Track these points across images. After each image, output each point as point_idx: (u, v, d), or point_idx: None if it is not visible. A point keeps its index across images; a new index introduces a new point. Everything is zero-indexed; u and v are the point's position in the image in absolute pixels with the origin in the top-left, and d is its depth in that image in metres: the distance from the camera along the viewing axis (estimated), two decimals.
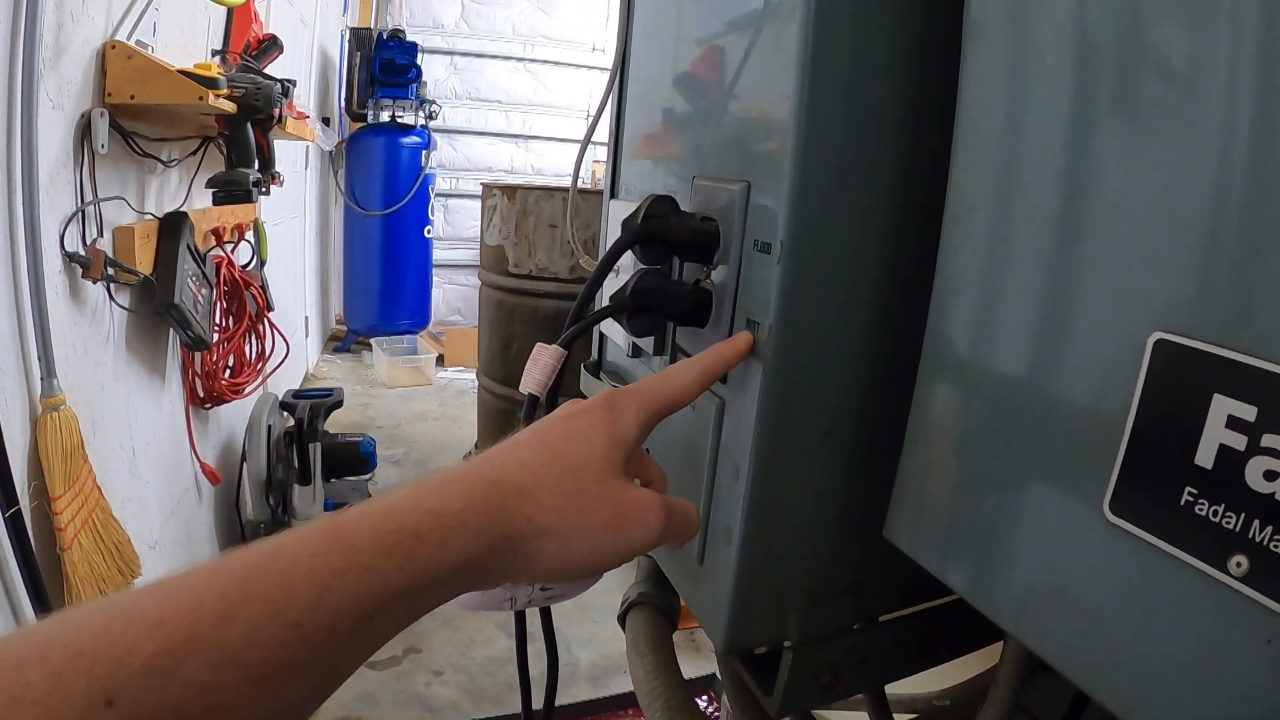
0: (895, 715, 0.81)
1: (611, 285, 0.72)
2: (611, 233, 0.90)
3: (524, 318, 3.09)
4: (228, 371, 2.28)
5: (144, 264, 1.68)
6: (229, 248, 2.23)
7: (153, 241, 1.75)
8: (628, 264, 0.68)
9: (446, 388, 5.11)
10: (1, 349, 1.25)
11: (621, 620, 0.90)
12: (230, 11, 2.33)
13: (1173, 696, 0.38)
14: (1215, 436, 0.35)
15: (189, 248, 1.81)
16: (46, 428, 1.33)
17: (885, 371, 0.60)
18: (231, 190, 2.03)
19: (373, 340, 5.37)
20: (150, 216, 1.80)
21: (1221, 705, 0.36)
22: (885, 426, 0.60)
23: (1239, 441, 0.34)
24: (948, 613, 0.69)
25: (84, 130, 1.50)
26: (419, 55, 5.26)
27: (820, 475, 0.61)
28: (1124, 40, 0.40)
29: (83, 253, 1.49)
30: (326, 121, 4.99)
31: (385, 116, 5.20)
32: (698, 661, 2.22)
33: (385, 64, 5.10)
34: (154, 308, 1.73)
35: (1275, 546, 0.32)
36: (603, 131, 1.00)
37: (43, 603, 1.28)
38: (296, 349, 3.97)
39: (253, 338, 2.36)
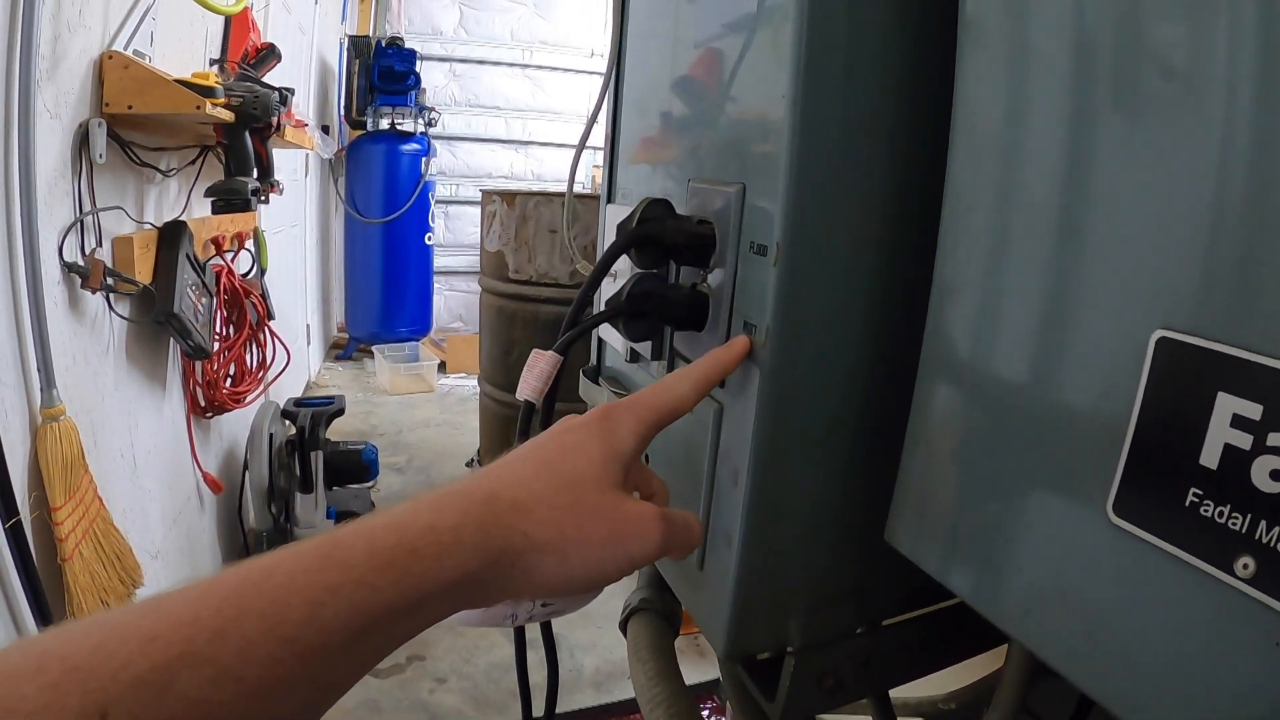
0: None
1: (609, 290, 0.72)
2: (608, 237, 0.90)
3: (525, 324, 3.09)
4: (229, 380, 2.28)
5: (143, 273, 1.68)
6: (229, 256, 2.23)
7: (152, 251, 1.74)
8: (624, 268, 0.68)
9: (448, 394, 5.11)
10: (1, 360, 1.25)
11: (623, 626, 0.89)
12: (228, 20, 2.33)
13: (1178, 699, 0.37)
14: (1220, 436, 0.34)
15: (188, 257, 1.81)
16: (46, 438, 1.33)
17: (884, 373, 0.59)
18: (230, 199, 2.03)
19: (374, 348, 5.37)
20: (149, 226, 1.80)
21: (1227, 708, 0.35)
22: (885, 429, 0.59)
23: (1244, 440, 0.33)
24: (951, 616, 0.69)
25: (82, 140, 1.49)
26: (418, 62, 5.26)
27: (820, 479, 0.61)
28: (1122, 36, 0.40)
29: (82, 263, 1.49)
30: (326, 129, 5.00)
31: (385, 124, 5.21)
32: (702, 666, 2.21)
33: (384, 71, 5.11)
34: (154, 317, 1.72)
35: None
36: (599, 136, 0.99)
37: (44, 613, 1.27)
38: (298, 357, 3.97)
39: (253, 346, 2.35)
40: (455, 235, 6.20)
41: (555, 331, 0.65)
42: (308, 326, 4.74)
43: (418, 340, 5.61)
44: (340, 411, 2.78)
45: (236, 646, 0.28)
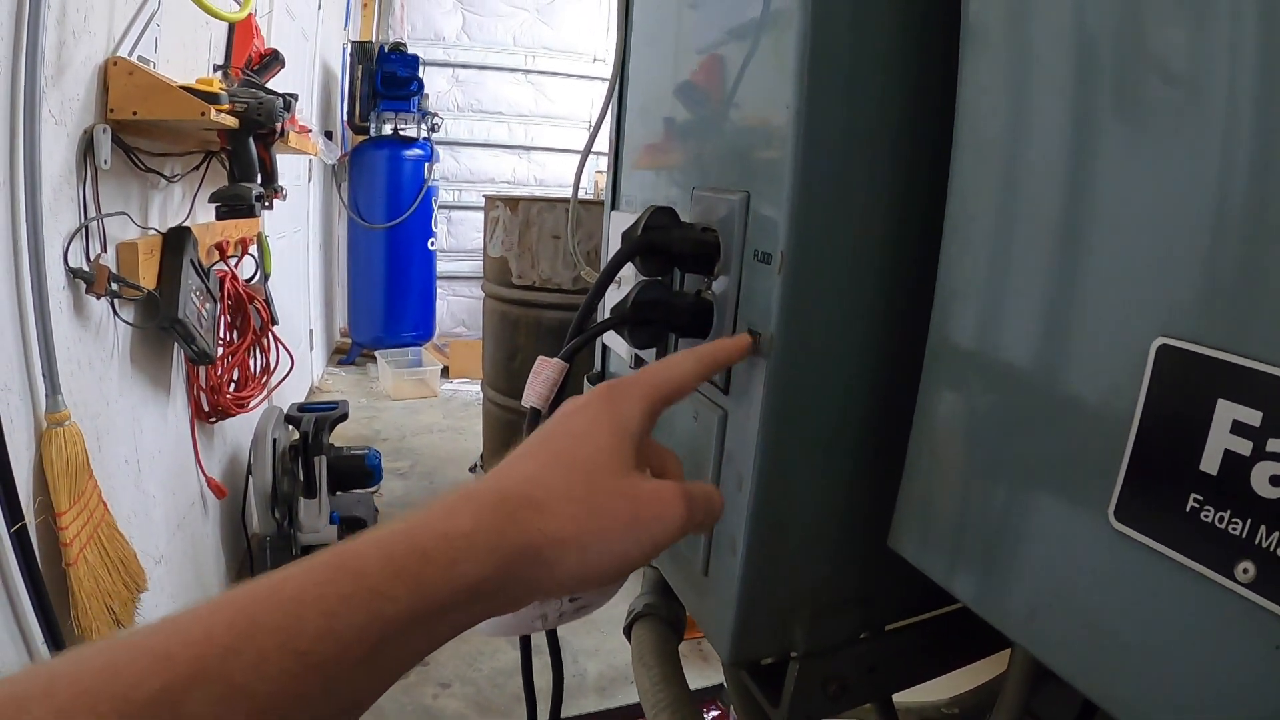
0: None
1: (613, 297, 0.72)
2: (613, 244, 0.90)
3: (528, 329, 3.09)
4: (232, 385, 2.28)
5: (148, 279, 1.69)
6: (233, 262, 2.24)
7: (156, 256, 1.75)
8: (629, 276, 0.68)
9: (451, 399, 5.11)
10: (6, 365, 1.25)
11: (627, 632, 0.89)
12: (232, 27, 2.34)
13: (1180, 703, 0.37)
14: (1220, 442, 0.34)
15: (192, 262, 1.81)
16: (51, 443, 1.33)
17: (888, 380, 0.59)
18: (234, 205, 2.04)
19: (377, 353, 5.37)
20: (153, 232, 1.81)
21: (1229, 711, 0.35)
22: (889, 435, 0.59)
23: (1244, 447, 0.33)
24: (955, 621, 0.69)
25: (86, 146, 1.50)
26: (420, 68, 5.28)
27: (824, 484, 0.61)
28: (1125, 43, 0.40)
29: (86, 268, 1.49)
30: (329, 135, 5.01)
31: (388, 129, 5.22)
32: (706, 672, 2.20)
33: (387, 77, 5.12)
34: (158, 322, 1.73)
35: None
36: (603, 142, 1.00)
37: (48, 617, 1.27)
38: (301, 362, 3.97)
39: (257, 351, 2.36)
40: (458, 240, 6.21)
41: (558, 337, 0.65)
42: (311, 332, 4.74)
43: (421, 345, 5.61)
44: (344, 416, 2.78)
45: (250, 662, 0.28)
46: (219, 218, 2.08)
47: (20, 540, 1.22)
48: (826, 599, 0.64)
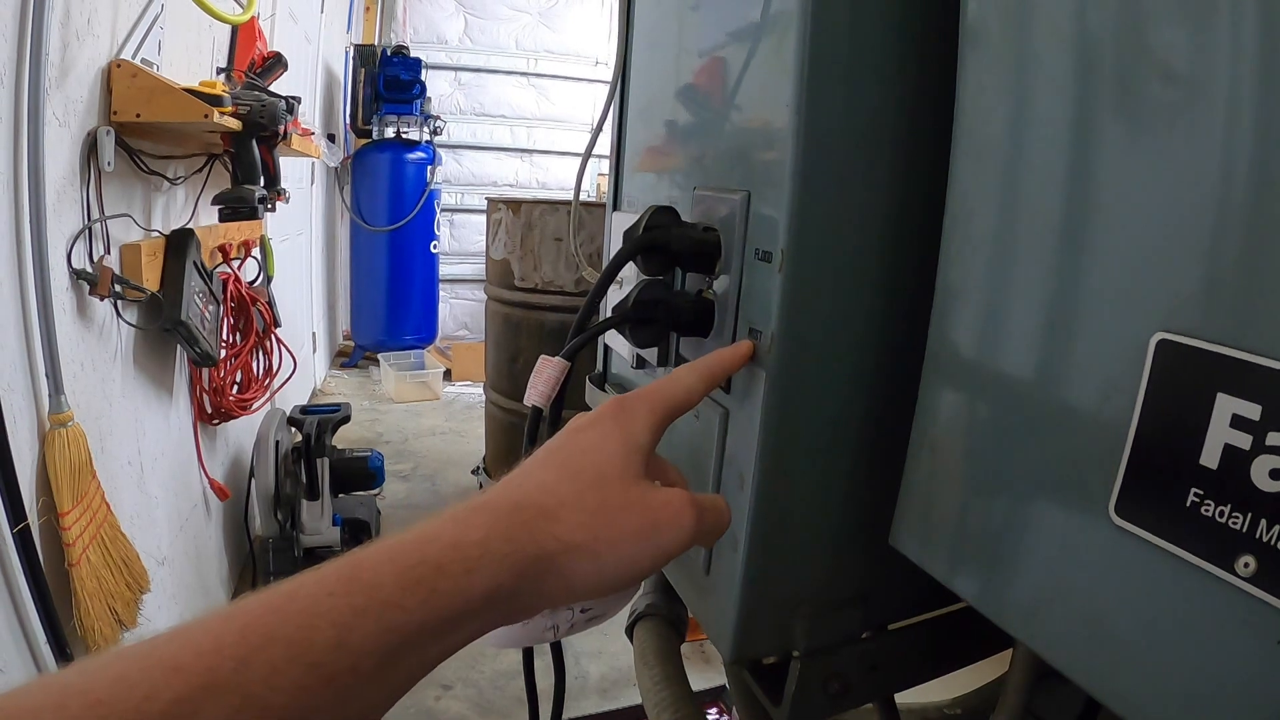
0: None
1: (615, 297, 0.72)
2: (614, 245, 0.90)
3: (530, 331, 3.10)
4: (235, 387, 2.29)
5: (151, 281, 1.69)
6: (235, 264, 2.24)
7: (159, 258, 1.76)
8: (630, 275, 0.68)
9: (454, 402, 5.11)
10: (9, 366, 1.26)
11: (629, 632, 0.89)
12: (235, 30, 2.35)
13: (1182, 699, 0.37)
14: (1220, 436, 0.34)
15: (195, 264, 1.82)
16: (54, 444, 1.34)
17: (888, 378, 0.60)
18: (237, 207, 2.04)
19: (380, 355, 5.38)
20: (157, 234, 1.81)
21: (1231, 706, 0.35)
22: (890, 433, 0.59)
23: (1244, 441, 0.33)
24: (957, 620, 0.69)
25: (90, 148, 1.51)
26: (423, 71, 5.29)
27: (825, 483, 0.61)
28: (1124, 41, 0.40)
29: (90, 270, 1.50)
30: (332, 138, 5.02)
31: (390, 132, 5.23)
32: (707, 673, 2.20)
33: (390, 80, 5.13)
34: (161, 324, 1.73)
35: None
36: (604, 145, 1.00)
37: (50, 618, 1.28)
38: (304, 365, 3.98)
39: (260, 354, 2.36)
40: (460, 243, 6.22)
41: (560, 340, 0.65)
42: (313, 334, 4.75)
43: (423, 348, 5.62)
44: (346, 419, 2.79)
45: (262, 674, 0.27)
46: (222, 220, 2.08)
47: (23, 540, 1.22)
48: (828, 597, 0.64)
